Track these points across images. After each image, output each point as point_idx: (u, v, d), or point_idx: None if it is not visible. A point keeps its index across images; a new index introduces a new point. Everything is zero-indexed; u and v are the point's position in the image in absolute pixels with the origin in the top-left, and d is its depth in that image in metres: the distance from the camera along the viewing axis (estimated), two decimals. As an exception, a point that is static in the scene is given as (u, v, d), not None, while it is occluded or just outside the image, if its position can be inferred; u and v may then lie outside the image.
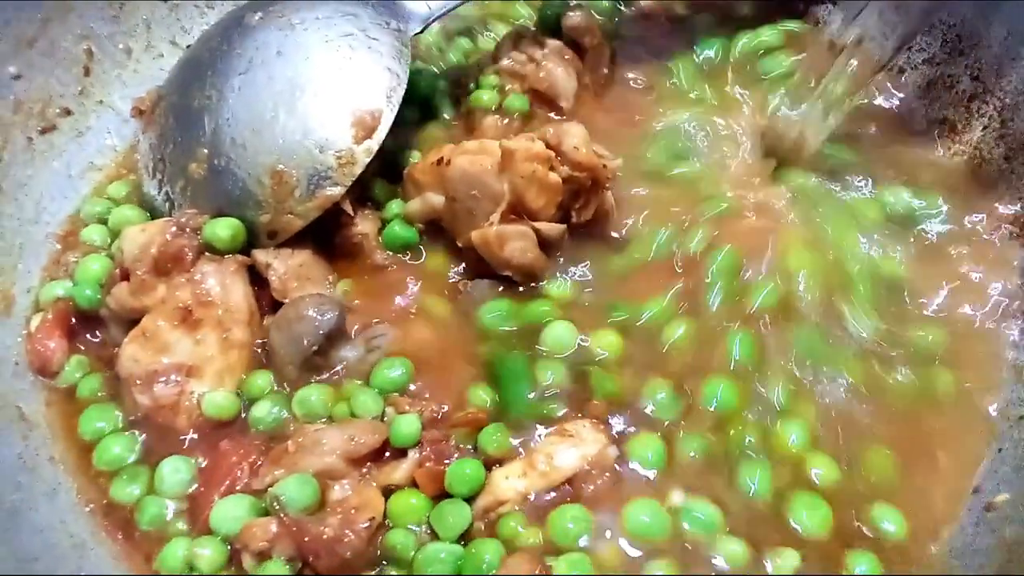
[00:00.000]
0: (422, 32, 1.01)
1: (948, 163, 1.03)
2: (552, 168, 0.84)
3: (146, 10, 1.13)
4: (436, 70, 1.12)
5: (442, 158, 0.89)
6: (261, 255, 0.90)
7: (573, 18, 1.08)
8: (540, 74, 1.05)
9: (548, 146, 0.84)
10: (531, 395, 0.82)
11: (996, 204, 0.99)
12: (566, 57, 1.07)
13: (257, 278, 0.90)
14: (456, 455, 0.77)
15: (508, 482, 0.76)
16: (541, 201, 0.85)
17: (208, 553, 0.73)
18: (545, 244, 0.88)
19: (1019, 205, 0.97)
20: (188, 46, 1.12)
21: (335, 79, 0.93)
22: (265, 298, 0.90)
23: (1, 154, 0.99)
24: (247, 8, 1.00)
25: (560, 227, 0.88)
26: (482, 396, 0.82)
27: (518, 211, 0.86)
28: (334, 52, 0.94)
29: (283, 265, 0.90)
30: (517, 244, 0.86)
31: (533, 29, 1.12)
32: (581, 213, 0.89)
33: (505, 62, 1.06)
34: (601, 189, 0.88)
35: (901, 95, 1.09)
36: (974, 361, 0.89)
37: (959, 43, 1.06)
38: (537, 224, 0.87)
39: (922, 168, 1.02)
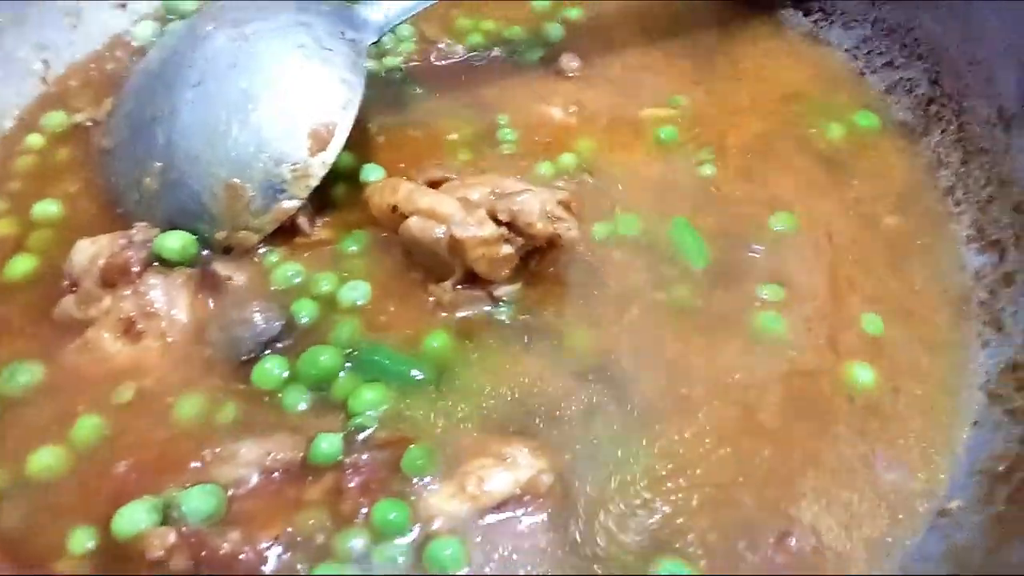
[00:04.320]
0: (378, 41, 1.01)
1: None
2: (507, 240, 0.84)
3: (104, 20, 1.13)
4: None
5: (396, 207, 0.88)
6: (222, 267, 0.90)
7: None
8: None
9: (500, 223, 0.83)
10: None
11: (953, 208, 0.99)
12: None
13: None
14: (378, 485, 0.74)
15: (435, 503, 0.74)
16: (495, 273, 0.85)
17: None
18: (498, 300, 0.88)
19: (975, 208, 0.98)
20: (145, 56, 1.11)
21: (289, 91, 0.92)
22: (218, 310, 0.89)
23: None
24: (201, 18, 0.99)
25: (514, 287, 0.88)
26: (368, 397, 0.80)
27: (472, 277, 0.86)
28: (288, 63, 0.94)
29: (243, 277, 0.90)
30: (472, 307, 0.87)
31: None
32: (539, 264, 0.89)
33: None
34: (558, 250, 0.87)
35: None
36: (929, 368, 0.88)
37: (917, 47, 1.06)
38: (493, 290, 0.87)
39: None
